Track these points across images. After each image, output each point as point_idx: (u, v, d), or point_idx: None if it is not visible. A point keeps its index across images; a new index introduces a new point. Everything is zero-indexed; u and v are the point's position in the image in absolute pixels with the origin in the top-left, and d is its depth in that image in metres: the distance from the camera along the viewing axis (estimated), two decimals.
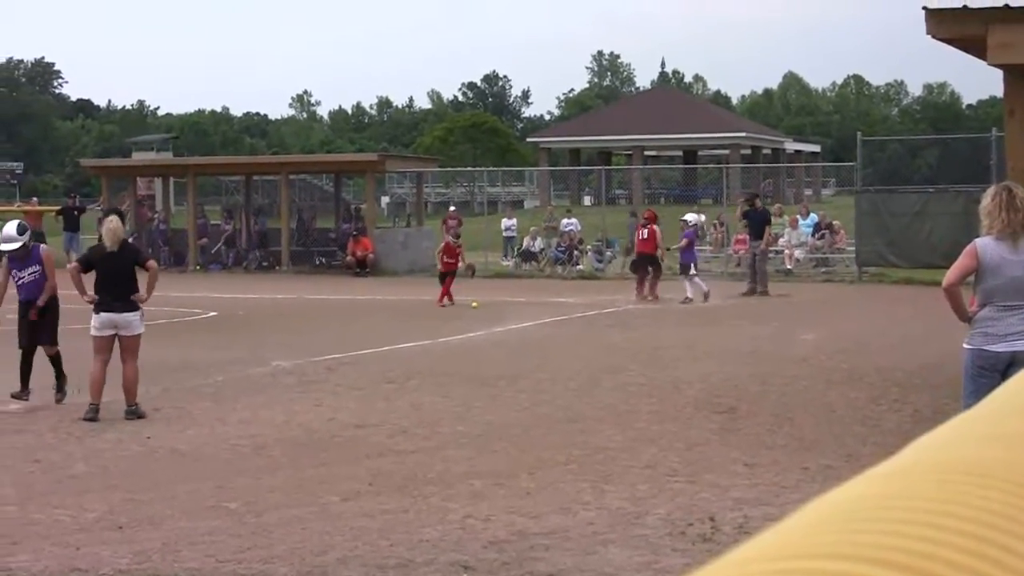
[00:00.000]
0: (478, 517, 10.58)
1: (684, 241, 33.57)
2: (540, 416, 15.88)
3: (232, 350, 22.94)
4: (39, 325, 16.95)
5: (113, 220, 16.48)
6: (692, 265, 33.11)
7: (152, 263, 16.47)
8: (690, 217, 34.40)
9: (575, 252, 46.05)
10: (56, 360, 17.00)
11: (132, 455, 13.70)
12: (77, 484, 12.22)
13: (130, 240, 18.45)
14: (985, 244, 10.43)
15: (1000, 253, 10.33)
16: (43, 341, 16.96)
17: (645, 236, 33.86)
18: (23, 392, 16.85)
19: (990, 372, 10.30)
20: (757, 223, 35.57)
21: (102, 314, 16.01)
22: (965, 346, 10.67)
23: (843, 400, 16.76)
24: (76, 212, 49.92)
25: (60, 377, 16.95)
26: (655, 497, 11.25)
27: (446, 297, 32.73)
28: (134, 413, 15.82)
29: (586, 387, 18.23)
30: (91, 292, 16.07)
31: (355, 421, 15.56)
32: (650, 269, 33.54)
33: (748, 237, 36.77)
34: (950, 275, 10.47)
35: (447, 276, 33.17)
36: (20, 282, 16.96)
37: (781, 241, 42.54)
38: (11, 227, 17.49)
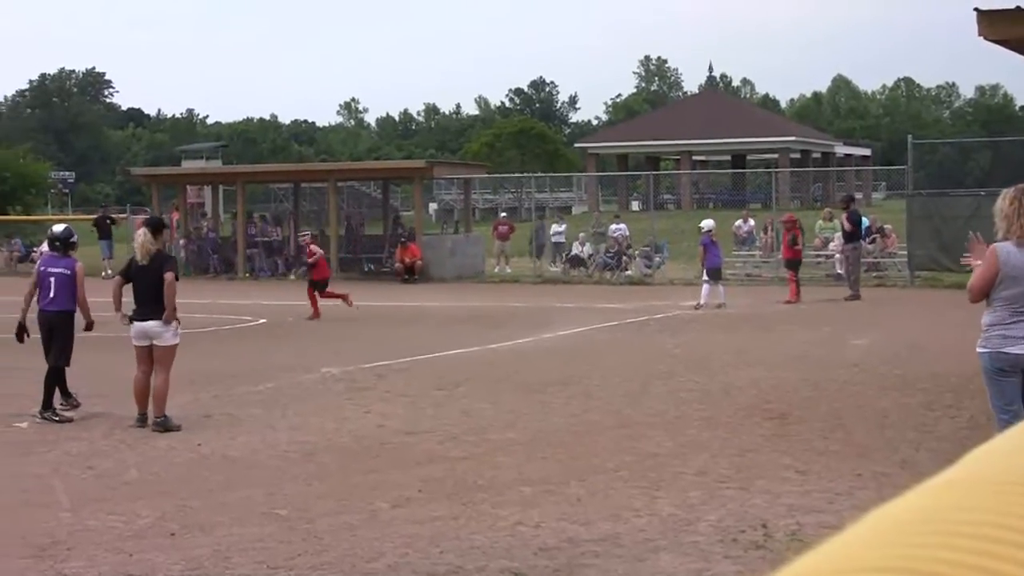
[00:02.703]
0: (528, 524, 10.57)
1: (701, 248, 33.37)
2: (590, 422, 15.85)
3: (282, 357, 22.99)
4: (52, 340, 16.80)
5: (142, 234, 16.29)
6: (716, 270, 32.86)
7: (168, 276, 16.01)
8: (705, 224, 34.06)
9: (624, 257, 45.97)
10: (52, 377, 16.73)
11: (183, 462, 13.75)
12: (130, 491, 12.27)
13: (180, 243, 18.49)
14: (1007, 250, 10.32)
15: (1022, 260, 10.25)
16: (52, 358, 16.77)
17: (791, 242, 34.25)
18: (69, 400, 16.92)
19: (1011, 372, 10.28)
20: (853, 226, 35.57)
21: (135, 324, 16.04)
22: (980, 350, 10.57)
23: (896, 406, 16.66)
24: (109, 221, 51.06)
25: (48, 396, 16.57)
26: (706, 504, 11.20)
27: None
28: (161, 425, 15.60)
29: (636, 393, 18.19)
30: (124, 310, 16.07)
31: (405, 428, 15.57)
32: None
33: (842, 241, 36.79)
34: (975, 287, 10.39)
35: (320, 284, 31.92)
36: (50, 276, 16.73)
37: (832, 245, 42.36)
38: (60, 226, 17.84)
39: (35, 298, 17.04)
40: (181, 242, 47.93)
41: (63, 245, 17.22)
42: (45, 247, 17.44)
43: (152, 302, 15.92)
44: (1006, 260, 10.27)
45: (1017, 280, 10.27)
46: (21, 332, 17.43)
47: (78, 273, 16.90)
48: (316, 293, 31.27)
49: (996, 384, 10.49)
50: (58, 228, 17.77)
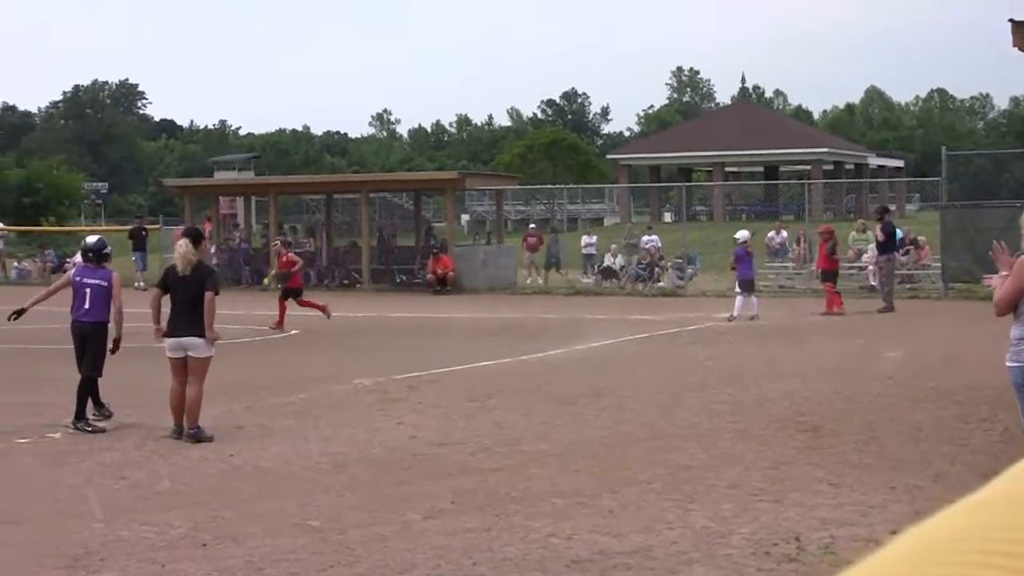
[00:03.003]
0: (561, 536, 10.55)
1: (733, 259, 33.29)
2: (622, 434, 15.83)
3: (314, 368, 23.02)
4: (85, 351, 16.86)
5: (183, 244, 16.29)
6: (748, 282, 32.74)
7: (208, 294, 16.04)
8: (739, 234, 33.87)
9: (656, 269, 45.92)
10: (85, 387, 16.81)
11: (216, 472, 13.77)
12: (162, 501, 12.30)
13: (212, 252, 18.57)
14: None
15: None
16: (85, 368, 16.81)
17: (830, 252, 34.12)
18: (101, 411, 16.98)
19: None
20: (887, 237, 35.37)
21: (170, 338, 16.03)
22: (1010, 363, 10.52)
23: (930, 418, 16.60)
24: (144, 233, 51.22)
25: (81, 407, 16.65)
26: (739, 516, 11.17)
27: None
28: (194, 436, 15.67)
29: (669, 405, 18.16)
30: (162, 323, 16.13)
31: (437, 439, 15.57)
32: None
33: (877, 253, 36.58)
34: (1002, 300, 10.35)
35: (294, 293, 31.78)
36: (85, 288, 16.76)
37: (865, 257, 42.24)
38: (93, 237, 18.00)
39: (69, 307, 17.09)
40: (212, 250, 47.97)
41: (96, 256, 17.23)
42: (78, 258, 17.50)
43: (190, 314, 15.93)
44: None
45: None
46: (20, 314, 17.49)
47: (115, 284, 16.95)
48: (288, 302, 31.20)
49: None
50: (92, 239, 17.83)
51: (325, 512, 11.62)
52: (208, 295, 15.99)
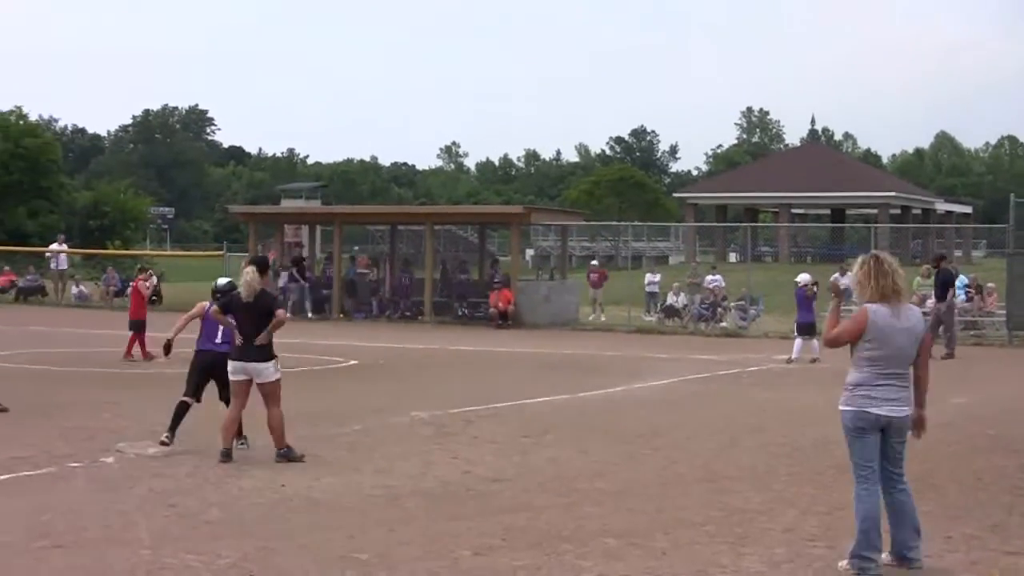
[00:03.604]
0: None
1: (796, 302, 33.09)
2: (678, 475, 15.68)
3: (371, 399, 22.97)
4: (215, 378, 17.29)
5: (249, 272, 16.55)
6: (808, 325, 32.46)
7: (280, 312, 16.44)
8: (800, 278, 33.56)
9: (719, 309, 45.71)
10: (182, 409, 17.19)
11: (266, 502, 13.70)
12: (211, 530, 12.23)
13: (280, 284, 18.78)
14: (875, 310, 10.67)
15: (889, 321, 10.63)
16: (227, 391, 17.16)
17: None
18: (169, 437, 17.00)
19: (871, 431, 10.73)
20: (940, 285, 34.82)
21: (235, 362, 16.30)
22: (843, 408, 10.93)
23: (990, 467, 16.37)
24: (302, 260, 49.48)
25: (238, 431, 16.97)
26: (792, 562, 11.02)
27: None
28: (285, 456, 16.12)
29: (726, 446, 18.00)
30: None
31: (491, 475, 15.46)
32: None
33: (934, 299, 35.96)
34: (834, 337, 10.96)
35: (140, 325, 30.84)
36: (218, 324, 17.00)
37: (929, 303, 41.87)
38: (223, 279, 18.37)
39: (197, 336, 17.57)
40: (282, 281, 47.99)
41: (223, 297, 17.42)
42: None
43: (253, 339, 16.14)
44: (874, 320, 10.62)
45: (883, 341, 10.59)
46: (169, 348, 18.40)
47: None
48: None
49: (856, 442, 10.83)
50: (222, 281, 18.17)
51: (375, 545, 11.52)
52: (280, 312, 16.43)
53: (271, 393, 16.27)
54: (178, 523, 12.51)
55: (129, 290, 34.60)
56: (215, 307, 16.92)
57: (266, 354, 16.18)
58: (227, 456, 16.04)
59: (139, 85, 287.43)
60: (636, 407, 22.73)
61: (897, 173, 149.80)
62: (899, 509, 10.78)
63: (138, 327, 30.46)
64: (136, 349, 30.23)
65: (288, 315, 18.25)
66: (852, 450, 10.83)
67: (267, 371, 16.19)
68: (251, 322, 16.18)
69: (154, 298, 30.66)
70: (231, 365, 16.31)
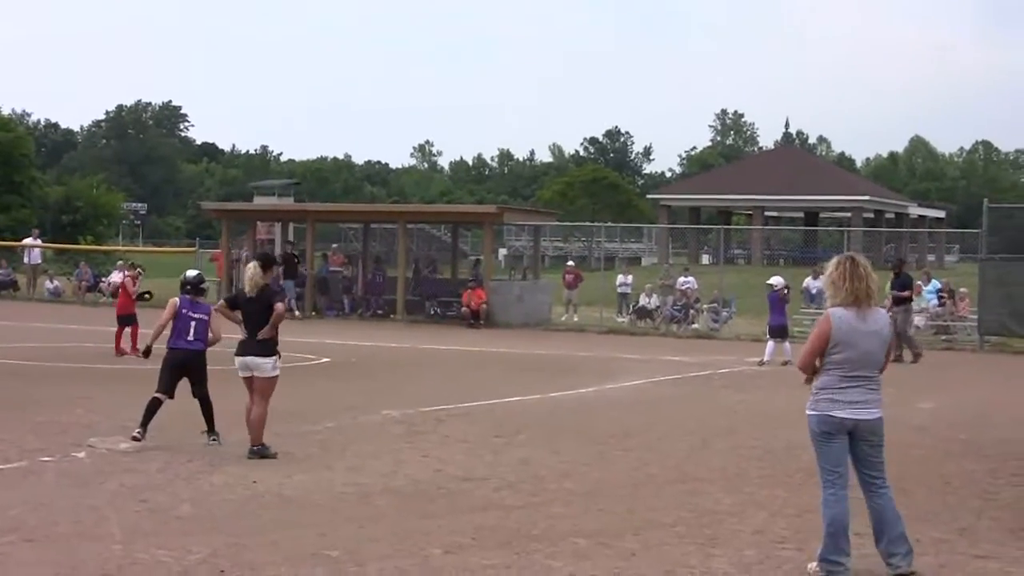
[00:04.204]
0: None
1: (768, 304, 33.16)
2: (649, 476, 15.72)
3: (343, 397, 22.98)
4: (191, 375, 17.44)
5: (253, 267, 16.84)
6: (779, 328, 32.54)
7: (279, 305, 16.70)
8: (773, 280, 33.61)
9: (691, 311, 45.76)
10: (205, 405, 17.42)
11: (238, 499, 13.70)
12: (182, 525, 12.23)
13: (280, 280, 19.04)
14: (839, 315, 10.68)
15: (853, 325, 10.63)
16: (200, 389, 17.42)
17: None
18: (141, 433, 16.99)
19: (837, 436, 10.73)
20: (897, 289, 34.70)
21: (238, 358, 16.53)
22: (809, 412, 10.90)
23: (960, 472, 16.45)
24: (296, 260, 48.90)
25: (210, 422, 17.34)
26: (762, 563, 11.06)
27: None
28: (257, 453, 16.26)
29: (697, 448, 18.05)
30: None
31: (462, 473, 15.49)
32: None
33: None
34: (804, 359, 10.95)
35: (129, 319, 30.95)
36: (191, 321, 17.33)
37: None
38: (192, 271, 18.53)
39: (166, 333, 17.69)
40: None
41: (194, 289, 17.91)
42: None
43: (256, 335, 16.37)
44: (838, 326, 10.61)
45: (848, 345, 10.60)
46: (148, 352, 18.52)
47: (213, 317, 17.63)
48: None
49: (823, 447, 10.80)
50: (191, 273, 18.36)
51: (345, 543, 11.53)
52: (279, 306, 16.66)
53: (263, 389, 16.46)
54: (149, 518, 12.51)
55: (104, 286, 34.46)
56: (221, 302, 17.33)
57: (267, 349, 16.41)
58: (264, 453, 16.30)
59: (112, 80, 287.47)
60: (608, 408, 22.76)
61: (871, 177, 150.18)
62: (879, 516, 10.77)
63: (129, 321, 30.59)
64: (127, 344, 30.24)
65: (294, 311, 18.49)
66: (819, 455, 10.83)
67: (265, 366, 16.39)
68: (254, 317, 16.42)
69: (146, 295, 30.67)
70: (236, 361, 16.53)
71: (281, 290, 38.87)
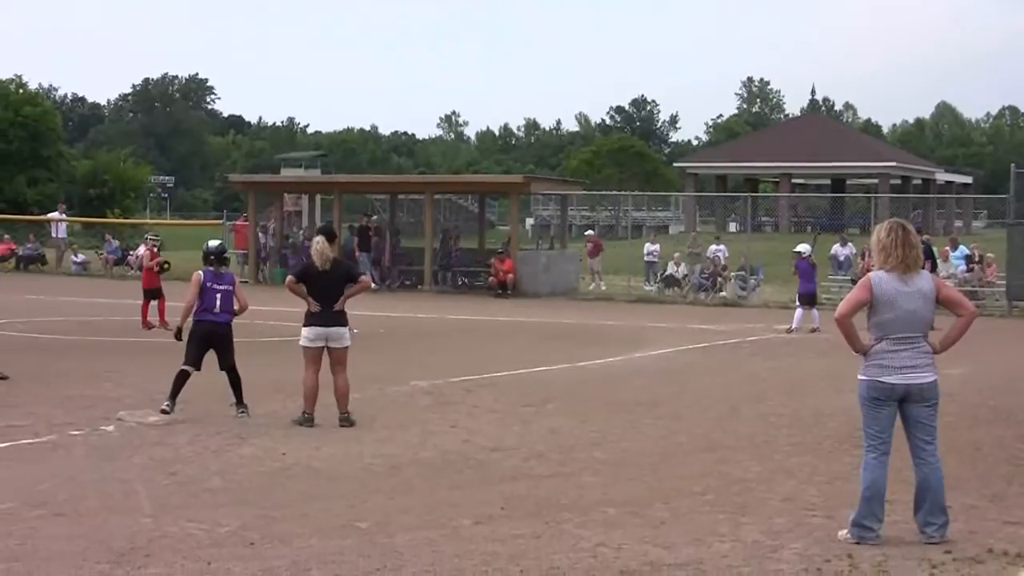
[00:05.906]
0: (611, 546, 10.42)
1: (795, 271, 33.09)
2: (677, 444, 15.70)
3: (371, 369, 22.94)
4: (218, 347, 17.48)
5: (319, 241, 16.92)
6: (809, 295, 32.51)
7: (364, 277, 17.45)
8: (800, 247, 33.50)
9: (718, 279, 45.67)
10: (234, 376, 17.47)
11: (267, 471, 13.70)
12: (211, 498, 12.24)
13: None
14: (880, 277, 10.65)
15: (895, 286, 10.59)
16: (228, 361, 17.48)
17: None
18: (170, 406, 17.01)
19: (886, 402, 10.64)
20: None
21: (313, 327, 16.63)
22: (860, 377, 10.79)
23: (990, 438, 16.38)
24: (370, 232, 48.62)
25: (238, 394, 17.41)
26: (792, 531, 11.02)
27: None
28: (347, 420, 16.64)
29: (725, 416, 18.01)
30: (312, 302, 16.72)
31: (490, 444, 15.47)
32: None
33: None
34: (842, 307, 10.81)
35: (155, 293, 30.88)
36: (216, 293, 17.38)
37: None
38: (215, 241, 18.49)
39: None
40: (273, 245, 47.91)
41: (217, 260, 17.92)
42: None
43: (332, 305, 16.60)
44: (879, 285, 10.63)
45: (889, 305, 10.62)
46: (179, 334, 18.24)
47: (237, 286, 17.83)
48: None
49: (871, 412, 10.74)
50: (214, 243, 18.32)
51: (374, 514, 11.53)
52: (364, 277, 17.41)
53: (340, 359, 16.80)
54: (178, 491, 12.52)
55: (132, 259, 34.39)
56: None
57: (346, 320, 16.75)
58: (309, 421, 16.55)
59: (139, 54, 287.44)
60: (636, 376, 22.74)
61: (898, 144, 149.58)
62: (924, 484, 10.69)
63: (154, 295, 30.59)
64: (153, 317, 30.31)
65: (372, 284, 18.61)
66: (866, 419, 10.77)
67: (345, 336, 16.76)
68: (329, 289, 16.58)
69: (165, 265, 30.64)
70: (309, 331, 16.65)
71: (356, 263, 39.17)
